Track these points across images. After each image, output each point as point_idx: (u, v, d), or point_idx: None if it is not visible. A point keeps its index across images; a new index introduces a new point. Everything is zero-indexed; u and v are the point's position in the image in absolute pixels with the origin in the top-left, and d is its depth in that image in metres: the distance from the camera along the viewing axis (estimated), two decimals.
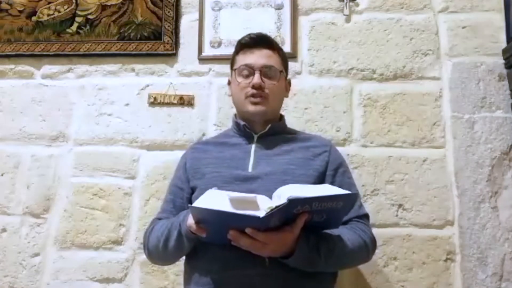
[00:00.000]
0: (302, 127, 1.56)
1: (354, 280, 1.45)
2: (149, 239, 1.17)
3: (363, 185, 1.51)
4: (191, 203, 1.15)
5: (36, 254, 1.57)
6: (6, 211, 1.61)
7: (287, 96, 1.33)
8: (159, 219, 1.21)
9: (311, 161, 1.17)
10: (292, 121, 1.57)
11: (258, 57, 1.21)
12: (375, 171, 1.52)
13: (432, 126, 1.54)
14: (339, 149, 1.52)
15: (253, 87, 1.18)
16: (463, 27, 1.60)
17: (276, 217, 0.89)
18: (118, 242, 1.55)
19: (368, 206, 1.48)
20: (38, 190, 1.61)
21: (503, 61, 1.55)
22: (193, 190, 1.20)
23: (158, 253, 1.15)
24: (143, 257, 1.50)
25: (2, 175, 1.64)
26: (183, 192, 1.22)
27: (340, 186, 1.09)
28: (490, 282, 1.40)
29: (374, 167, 1.53)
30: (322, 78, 1.62)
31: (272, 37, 1.62)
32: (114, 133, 1.64)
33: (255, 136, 1.23)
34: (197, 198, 1.09)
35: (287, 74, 1.30)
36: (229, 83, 1.31)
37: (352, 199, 1.03)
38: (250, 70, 1.20)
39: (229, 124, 1.55)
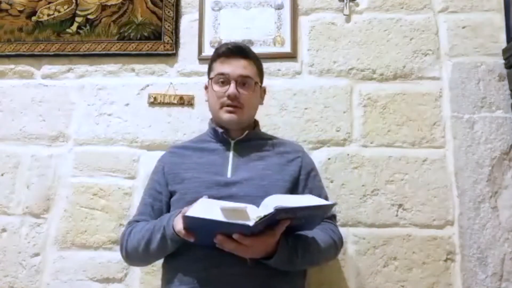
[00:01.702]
0: (302, 127, 1.56)
1: (354, 280, 1.45)
2: (127, 241, 1.19)
3: (363, 185, 1.51)
4: (169, 207, 1.21)
5: (36, 254, 1.57)
6: (6, 211, 1.61)
7: (262, 104, 1.35)
8: (137, 221, 1.22)
9: (286, 167, 1.23)
10: (292, 121, 1.57)
11: (234, 67, 1.23)
12: (375, 171, 1.52)
13: (432, 126, 1.54)
14: (339, 149, 1.54)
15: (229, 97, 1.21)
16: (463, 27, 1.60)
17: (262, 224, 0.96)
18: (118, 242, 1.54)
19: (368, 206, 1.49)
20: (38, 190, 1.61)
21: (503, 61, 1.55)
22: (171, 194, 1.22)
23: (137, 254, 1.17)
24: None
25: (2, 175, 1.64)
26: (161, 196, 1.24)
27: (311, 189, 1.23)
28: (490, 282, 1.40)
29: (374, 167, 1.53)
30: (322, 78, 1.62)
31: (272, 37, 1.64)
32: (114, 133, 1.64)
33: (232, 142, 1.26)
34: (176, 202, 1.17)
35: (262, 82, 1.33)
36: (206, 87, 1.33)
37: (331, 208, 1.16)
38: (226, 79, 1.23)
39: None
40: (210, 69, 1.30)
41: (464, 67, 1.57)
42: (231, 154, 1.24)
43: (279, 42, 1.64)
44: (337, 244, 1.20)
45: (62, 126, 1.67)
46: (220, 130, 1.25)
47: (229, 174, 1.20)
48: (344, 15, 1.64)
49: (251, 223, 0.94)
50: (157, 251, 1.12)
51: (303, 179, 1.24)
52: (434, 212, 1.48)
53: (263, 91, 1.34)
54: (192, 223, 1.00)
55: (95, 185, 1.60)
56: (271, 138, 1.35)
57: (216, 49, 1.29)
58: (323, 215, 1.14)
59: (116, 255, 1.53)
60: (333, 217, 1.26)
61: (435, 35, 1.61)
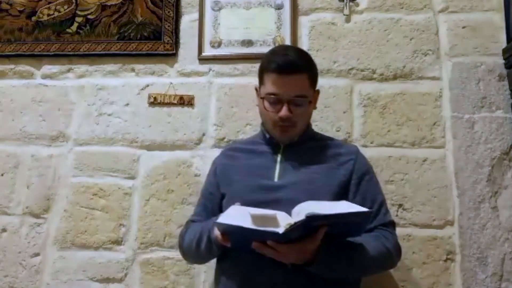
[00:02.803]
0: None
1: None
2: (184, 240, 1.23)
3: None
4: (221, 208, 1.21)
5: (36, 254, 1.57)
6: (6, 211, 1.61)
7: (315, 108, 1.31)
8: (193, 221, 1.26)
9: (336, 170, 1.19)
10: None
11: (286, 88, 1.16)
12: (375, 171, 1.52)
13: (432, 126, 1.54)
14: None
15: (281, 119, 1.17)
16: (463, 27, 1.60)
17: (295, 232, 0.94)
18: (118, 242, 1.55)
19: None
20: (38, 190, 1.61)
21: (503, 61, 1.55)
22: (223, 195, 1.24)
23: (191, 253, 1.20)
24: (143, 257, 1.52)
25: (2, 175, 1.64)
26: (214, 197, 1.26)
27: (363, 194, 1.16)
28: (490, 282, 1.40)
29: (374, 167, 1.51)
30: (322, 78, 1.61)
31: (272, 37, 1.64)
32: (114, 133, 1.64)
33: (282, 146, 1.24)
34: (226, 204, 1.16)
35: (316, 86, 1.27)
36: (256, 90, 1.28)
37: (368, 216, 1.06)
38: (278, 100, 1.17)
39: (229, 125, 1.55)
40: (261, 78, 1.23)
41: (464, 67, 1.57)
42: (279, 157, 1.22)
43: (279, 42, 1.64)
44: (391, 251, 1.12)
45: (62, 126, 1.67)
46: (268, 136, 1.25)
47: (276, 178, 1.18)
48: (344, 15, 1.64)
49: (280, 230, 0.92)
50: (206, 252, 1.14)
51: (354, 183, 1.19)
52: (434, 212, 1.48)
53: (317, 94, 1.29)
54: (223, 230, 1.01)
55: (95, 185, 1.60)
56: (324, 139, 1.32)
57: (266, 61, 1.20)
58: (365, 222, 1.06)
59: (116, 255, 1.53)
60: (389, 224, 1.19)
61: (435, 35, 1.61)
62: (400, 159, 1.53)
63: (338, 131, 1.56)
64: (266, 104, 1.19)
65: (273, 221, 0.96)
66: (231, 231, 1.00)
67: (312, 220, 0.93)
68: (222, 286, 1.14)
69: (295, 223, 0.92)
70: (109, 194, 1.59)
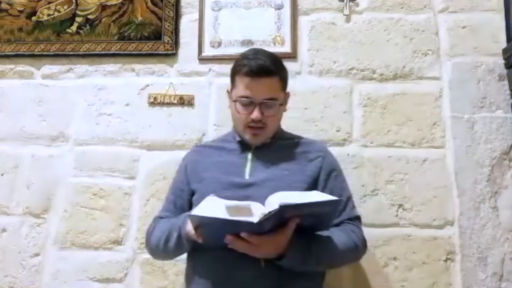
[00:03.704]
0: (302, 127, 1.56)
1: (354, 280, 1.45)
2: (151, 237, 1.22)
3: (363, 185, 1.51)
4: (191, 205, 1.22)
5: (36, 254, 1.57)
6: (6, 211, 1.61)
7: (285, 110, 1.32)
8: (161, 217, 1.26)
9: (305, 167, 1.22)
10: (292, 121, 1.57)
11: (258, 90, 1.18)
12: (375, 171, 1.52)
13: (432, 126, 1.54)
14: (339, 149, 1.53)
15: (253, 120, 1.19)
16: (463, 27, 1.60)
17: (269, 222, 0.96)
18: (118, 242, 1.55)
19: (368, 206, 1.49)
20: (38, 190, 1.61)
21: (503, 61, 1.55)
22: (193, 192, 1.24)
23: (159, 251, 1.20)
24: (143, 257, 1.51)
25: (2, 175, 1.64)
26: (184, 194, 1.26)
27: (331, 190, 1.18)
28: (490, 282, 1.40)
29: (374, 167, 1.53)
30: (322, 78, 1.62)
31: (272, 37, 1.64)
32: (114, 133, 1.64)
33: (253, 146, 1.26)
34: (196, 201, 1.16)
35: (286, 89, 1.29)
36: (228, 92, 1.30)
37: (338, 204, 1.11)
38: (250, 102, 1.19)
39: (229, 125, 1.55)
40: (233, 81, 1.25)
41: (464, 67, 1.57)
42: (250, 155, 1.24)
43: (279, 42, 1.64)
44: (358, 245, 1.16)
45: (62, 126, 1.67)
46: (238, 139, 1.26)
47: (247, 176, 1.20)
48: (344, 15, 1.64)
49: (255, 219, 0.94)
50: (175, 249, 1.15)
51: (323, 179, 1.22)
52: (434, 212, 1.48)
53: (287, 97, 1.30)
54: (199, 223, 1.01)
55: (95, 185, 1.60)
56: (293, 138, 1.34)
57: (239, 65, 1.21)
58: (335, 212, 1.10)
59: (116, 255, 1.53)
60: (355, 218, 1.22)
61: (435, 35, 1.61)
62: (400, 159, 1.53)
63: (338, 131, 1.56)
64: (238, 106, 1.21)
65: (248, 211, 0.97)
66: (205, 224, 1.00)
67: (286, 209, 0.95)
68: (195, 285, 1.13)
69: (269, 212, 0.94)
70: (109, 194, 1.59)
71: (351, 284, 1.45)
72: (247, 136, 1.23)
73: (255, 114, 1.18)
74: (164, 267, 1.50)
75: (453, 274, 1.43)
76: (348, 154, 1.53)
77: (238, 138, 1.27)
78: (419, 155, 1.53)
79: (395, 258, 1.46)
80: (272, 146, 1.26)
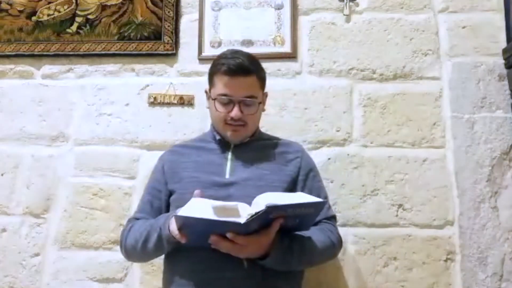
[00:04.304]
0: (302, 127, 1.56)
1: (354, 280, 1.45)
2: (126, 238, 1.20)
3: (363, 185, 1.51)
4: (168, 205, 1.22)
5: (36, 254, 1.57)
6: (6, 211, 1.61)
7: (264, 110, 1.33)
8: (137, 218, 1.24)
9: (284, 167, 1.24)
10: (292, 121, 1.57)
11: (237, 89, 1.19)
12: (375, 171, 1.52)
13: (432, 126, 1.54)
14: (339, 149, 1.54)
15: (232, 119, 1.20)
16: (463, 27, 1.60)
17: (255, 223, 0.97)
18: (118, 242, 1.54)
19: (368, 206, 1.49)
20: (38, 190, 1.61)
21: (503, 61, 1.55)
22: (171, 192, 1.23)
23: (135, 252, 1.18)
24: None
25: (2, 175, 1.64)
26: (161, 194, 1.25)
27: (310, 189, 1.21)
28: (490, 282, 1.40)
29: (374, 167, 1.53)
30: (322, 78, 1.62)
31: (272, 37, 1.64)
32: (114, 133, 1.64)
33: (232, 145, 1.26)
34: (175, 201, 1.17)
35: (264, 89, 1.30)
36: (206, 92, 1.30)
37: (322, 206, 1.13)
38: (230, 100, 1.20)
39: None
40: (211, 81, 1.26)
41: (464, 67, 1.57)
42: (229, 154, 1.24)
43: (279, 42, 1.64)
44: (335, 244, 1.19)
45: (62, 126, 1.67)
46: (218, 137, 1.26)
47: (227, 175, 1.20)
48: (344, 15, 1.64)
49: (242, 220, 0.95)
50: (154, 250, 1.13)
51: (301, 179, 1.24)
52: (434, 212, 1.48)
53: (265, 96, 1.32)
54: (185, 223, 1.01)
55: (95, 185, 1.60)
56: (271, 139, 1.35)
57: (217, 64, 1.22)
58: (317, 213, 1.13)
59: (116, 255, 1.53)
60: (332, 218, 1.26)
61: (435, 35, 1.61)
62: (400, 159, 1.53)
63: (338, 131, 1.56)
64: (218, 105, 1.21)
65: (235, 211, 0.98)
66: (190, 224, 1.00)
67: (272, 210, 0.97)
68: (176, 285, 1.11)
69: (256, 213, 0.95)
70: (109, 194, 1.59)
71: (351, 284, 1.45)
72: (228, 133, 1.23)
73: (235, 112, 1.19)
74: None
75: (453, 274, 1.43)
76: (348, 154, 1.53)
77: (218, 137, 1.27)
78: (419, 155, 1.53)
79: (395, 258, 1.46)
80: (252, 146, 1.27)
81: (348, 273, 1.45)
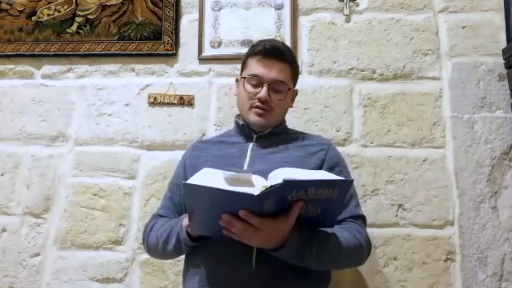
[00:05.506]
0: (302, 127, 1.56)
1: (354, 280, 1.45)
2: (148, 236, 1.20)
3: (363, 185, 1.51)
4: None
5: (36, 254, 1.57)
6: (6, 211, 1.61)
7: (291, 106, 1.32)
8: (159, 215, 1.25)
9: (307, 159, 1.18)
10: (292, 121, 1.57)
11: (269, 70, 1.19)
12: (375, 171, 1.52)
13: (432, 126, 1.54)
14: (339, 149, 1.52)
15: (259, 100, 1.19)
16: (463, 27, 1.60)
17: (270, 199, 0.87)
18: (118, 242, 1.55)
19: (368, 206, 1.49)
20: (38, 190, 1.61)
21: (503, 61, 1.55)
22: None
23: (157, 251, 1.19)
24: (143, 257, 1.51)
25: (2, 175, 1.64)
26: (180, 189, 1.23)
27: None
28: (490, 282, 1.40)
29: (374, 167, 1.53)
30: (322, 78, 1.62)
31: (272, 37, 1.64)
32: (114, 133, 1.64)
33: (254, 136, 1.24)
34: None
35: (295, 85, 1.29)
36: (237, 80, 1.30)
37: (347, 186, 0.98)
38: (259, 81, 1.19)
39: (229, 125, 1.55)
40: (244, 65, 1.26)
41: (464, 67, 1.57)
42: (250, 146, 1.22)
43: None
44: (363, 246, 1.08)
45: (62, 126, 1.67)
46: (241, 122, 1.25)
47: (245, 166, 1.17)
48: (344, 15, 1.64)
49: (256, 192, 0.84)
50: (174, 252, 1.14)
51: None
52: (434, 212, 1.48)
53: (295, 93, 1.31)
54: (193, 193, 0.91)
55: (95, 185, 1.60)
56: (296, 133, 1.32)
57: (253, 46, 1.24)
58: (342, 201, 0.99)
59: (116, 255, 1.53)
60: (360, 218, 1.15)
61: (435, 35, 1.61)
62: (400, 159, 1.53)
63: (338, 131, 1.56)
64: (247, 85, 1.21)
65: (248, 183, 0.88)
66: (200, 199, 0.91)
67: (289, 187, 0.86)
68: (188, 282, 1.12)
69: (271, 186, 0.84)
70: (109, 194, 1.59)
71: (351, 284, 1.45)
72: (251, 117, 1.20)
73: (263, 93, 1.17)
74: (164, 267, 1.50)
75: (453, 274, 1.43)
76: (348, 154, 1.53)
77: (241, 123, 1.25)
78: (419, 155, 1.53)
79: (395, 258, 1.46)
80: (274, 138, 1.23)
81: (348, 273, 1.45)
